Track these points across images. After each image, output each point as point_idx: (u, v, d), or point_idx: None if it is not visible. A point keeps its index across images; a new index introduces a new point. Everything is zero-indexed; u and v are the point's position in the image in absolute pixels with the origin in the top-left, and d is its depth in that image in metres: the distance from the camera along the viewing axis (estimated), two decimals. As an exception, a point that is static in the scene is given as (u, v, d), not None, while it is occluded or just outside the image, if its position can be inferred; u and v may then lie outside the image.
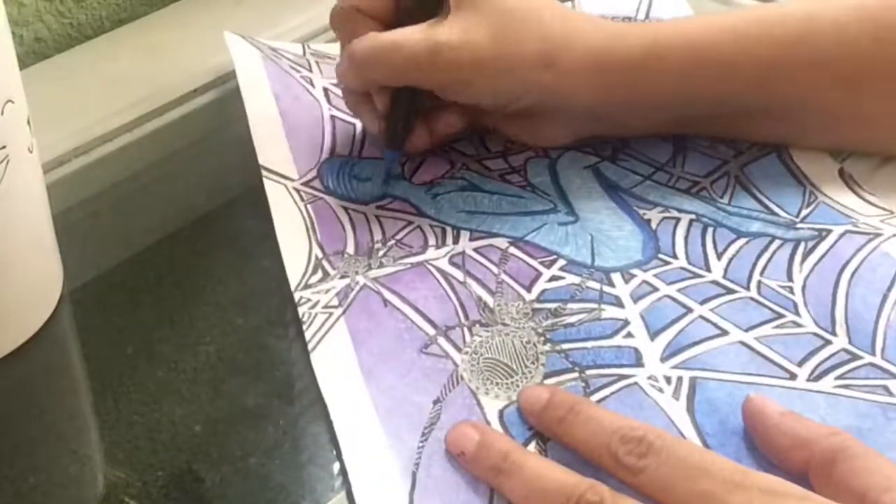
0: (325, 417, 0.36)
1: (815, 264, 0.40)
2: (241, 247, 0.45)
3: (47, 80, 0.53)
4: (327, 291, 0.39)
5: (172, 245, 0.44)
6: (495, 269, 0.40)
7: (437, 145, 0.46)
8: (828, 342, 0.37)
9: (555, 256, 0.41)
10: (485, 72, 0.42)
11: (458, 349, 0.37)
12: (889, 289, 0.39)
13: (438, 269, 0.40)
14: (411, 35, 0.42)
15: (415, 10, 0.44)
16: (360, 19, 0.45)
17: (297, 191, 0.44)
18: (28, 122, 0.37)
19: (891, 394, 0.35)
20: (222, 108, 0.50)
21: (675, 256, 0.41)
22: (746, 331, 0.38)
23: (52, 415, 0.36)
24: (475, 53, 0.42)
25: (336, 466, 0.35)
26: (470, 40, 0.42)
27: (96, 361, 0.39)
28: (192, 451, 0.35)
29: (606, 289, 0.40)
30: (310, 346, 0.37)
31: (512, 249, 0.41)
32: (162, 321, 0.41)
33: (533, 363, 0.37)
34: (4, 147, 0.35)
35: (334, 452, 0.35)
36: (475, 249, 0.41)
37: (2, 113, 0.34)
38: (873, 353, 0.37)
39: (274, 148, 0.46)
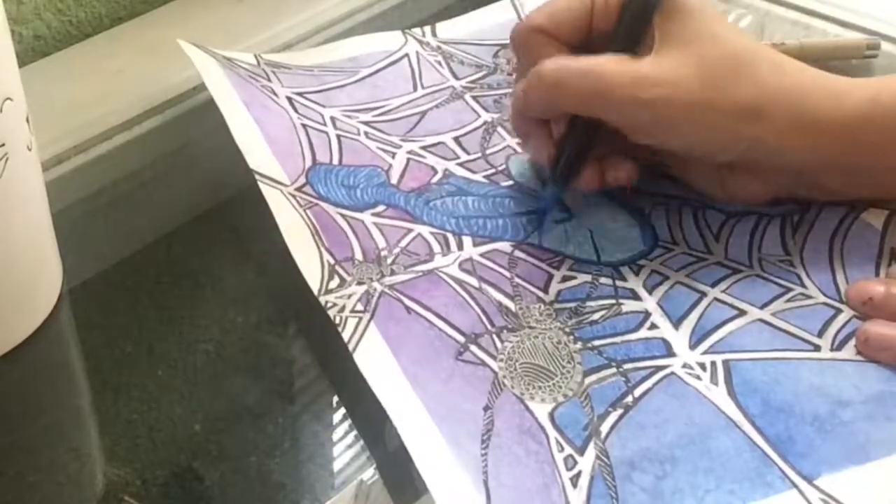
0: (324, 416, 0.36)
1: (806, 236, 0.41)
2: (241, 245, 0.45)
3: (46, 77, 0.53)
4: (349, 297, 0.39)
5: (172, 243, 0.44)
6: (507, 274, 0.40)
7: (601, 189, 0.43)
8: (838, 310, 0.38)
9: (560, 256, 0.41)
10: (689, 117, 0.39)
11: (493, 356, 0.37)
12: (879, 256, 0.40)
13: (451, 277, 0.40)
14: (611, 63, 0.39)
15: (616, 38, 0.41)
16: (545, 42, 0.42)
17: (294, 196, 0.43)
18: (27, 120, 0.37)
19: None
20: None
21: (675, 242, 0.42)
22: (762, 308, 0.38)
23: (51, 413, 0.36)
24: (682, 94, 0.38)
25: (335, 465, 0.35)
26: (677, 80, 0.38)
27: (96, 359, 0.39)
28: (191, 450, 0.35)
29: (619, 283, 0.40)
30: (350, 347, 0.37)
31: (517, 253, 0.41)
32: (161, 319, 0.40)
33: (569, 362, 0.37)
34: (3, 145, 0.35)
35: (377, 449, 0.35)
36: (482, 255, 0.41)
37: (1, 111, 0.34)
38: None
39: (260, 154, 0.45)
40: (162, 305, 0.41)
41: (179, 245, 0.44)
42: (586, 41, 0.42)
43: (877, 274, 0.40)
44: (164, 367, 0.38)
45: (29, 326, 0.39)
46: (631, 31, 0.41)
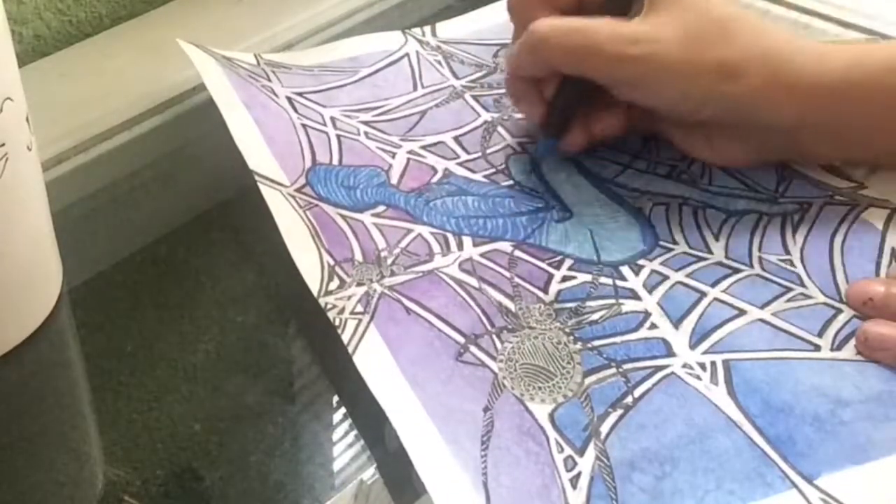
0: (324, 416, 0.36)
1: (806, 236, 0.41)
2: (241, 244, 0.45)
3: (47, 77, 0.53)
4: (349, 298, 0.39)
5: (172, 243, 0.44)
6: (507, 274, 0.40)
7: (591, 146, 0.46)
8: (838, 310, 0.38)
9: (560, 256, 0.41)
10: (670, 73, 0.41)
11: (492, 357, 0.37)
12: (879, 255, 0.40)
13: (451, 277, 0.40)
14: (599, 23, 0.42)
15: (607, 5, 0.43)
16: (540, 7, 0.44)
17: (293, 197, 0.43)
18: (27, 120, 0.37)
19: None
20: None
21: (675, 242, 0.42)
22: (762, 308, 0.39)
23: (51, 413, 0.36)
24: (663, 52, 0.40)
25: (335, 465, 0.35)
26: (660, 39, 0.41)
27: (95, 359, 0.39)
28: (191, 450, 0.35)
29: (619, 283, 0.40)
30: (350, 349, 0.37)
31: (517, 253, 0.41)
32: (161, 319, 0.40)
33: (569, 363, 0.37)
34: (3, 144, 0.35)
35: (377, 449, 0.35)
36: (482, 255, 0.41)
37: (1, 110, 0.34)
38: None
39: (259, 154, 0.45)
40: (162, 305, 0.41)
41: (179, 245, 0.44)
42: (579, 9, 0.44)
43: (877, 274, 0.40)
44: (163, 367, 0.38)
45: (29, 326, 0.39)
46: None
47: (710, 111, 0.42)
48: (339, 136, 0.47)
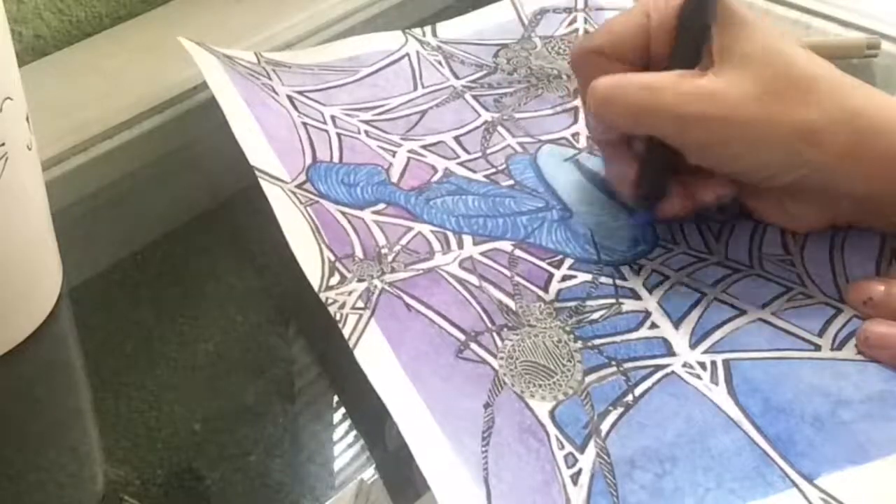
0: (324, 416, 0.36)
1: (806, 235, 0.41)
2: (241, 244, 0.45)
3: (46, 77, 0.53)
4: (350, 294, 0.39)
5: (172, 243, 0.44)
6: (508, 273, 0.40)
7: (693, 213, 0.42)
8: (838, 310, 0.38)
9: (561, 256, 0.41)
10: (747, 135, 0.37)
11: (493, 354, 0.37)
12: (880, 255, 0.40)
13: (451, 275, 0.40)
14: (666, 78, 0.38)
15: (674, 57, 0.40)
16: (603, 63, 0.41)
17: (294, 193, 0.43)
18: (27, 120, 0.37)
19: None
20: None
21: (675, 242, 0.42)
22: (762, 307, 0.39)
23: (51, 413, 0.36)
24: (737, 112, 0.37)
25: (335, 465, 0.35)
26: (734, 97, 0.37)
27: (95, 359, 0.39)
28: (191, 449, 0.35)
29: (619, 282, 0.40)
30: (351, 343, 0.37)
31: (518, 252, 0.41)
32: (161, 319, 0.40)
33: (569, 360, 0.37)
34: (3, 144, 0.35)
35: (378, 445, 0.35)
36: (482, 253, 0.41)
37: (1, 110, 0.34)
38: None
39: (260, 151, 0.45)
40: (162, 305, 0.41)
41: (179, 245, 0.44)
42: (646, 63, 0.41)
43: (877, 273, 0.40)
44: (164, 367, 0.38)
45: (29, 326, 0.39)
46: (688, 50, 0.39)
47: (788, 177, 0.38)
48: (339, 135, 0.47)
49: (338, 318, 0.37)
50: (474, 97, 0.50)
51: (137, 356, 0.39)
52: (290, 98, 0.49)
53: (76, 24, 0.56)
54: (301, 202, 0.43)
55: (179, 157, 0.49)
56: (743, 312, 0.38)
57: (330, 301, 0.38)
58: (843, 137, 0.37)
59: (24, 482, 0.34)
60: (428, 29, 0.54)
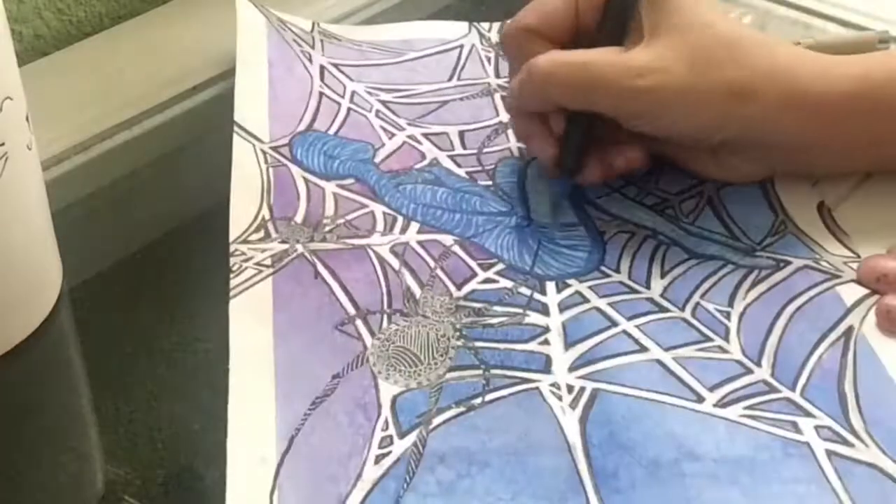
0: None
1: (763, 293, 0.39)
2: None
3: (46, 77, 0.53)
4: (263, 251, 0.40)
5: (172, 242, 0.44)
6: (432, 264, 0.41)
7: (610, 179, 0.44)
8: (749, 371, 0.36)
9: (495, 260, 0.41)
10: (682, 101, 0.39)
11: (372, 334, 0.37)
12: (830, 330, 0.38)
13: (377, 256, 0.41)
14: (602, 55, 0.40)
15: (602, 34, 0.42)
16: (535, 41, 0.43)
17: (264, 153, 0.45)
18: (27, 119, 0.37)
19: (799, 431, 0.34)
20: (222, 105, 0.50)
21: (617, 270, 0.41)
22: (666, 350, 0.37)
23: (51, 412, 0.36)
24: (672, 81, 0.39)
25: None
26: (667, 67, 0.39)
27: (95, 359, 0.39)
28: (191, 450, 0.35)
29: (537, 296, 0.39)
30: (231, 294, 0.38)
31: (455, 248, 0.41)
32: (161, 318, 0.40)
33: (441, 356, 0.37)
34: (3, 144, 0.35)
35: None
36: (419, 242, 0.41)
37: (1, 110, 0.34)
38: (793, 389, 0.36)
39: (253, 108, 0.47)
40: (162, 305, 0.41)
41: (179, 245, 0.44)
42: (574, 39, 0.43)
43: (816, 346, 0.37)
44: (164, 367, 0.38)
45: (29, 326, 0.39)
46: (616, 26, 0.41)
47: (724, 135, 0.41)
48: (349, 109, 0.48)
49: (235, 268, 0.39)
50: (503, 98, 0.50)
51: (137, 356, 0.39)
52: (322, 67, 0.51)
53: (76, 24, 0.56)
54: (266, 162, 0.44)
55: (179, 157, 0.49)
56: (644, 349, 0.37)
57: (237, 252, 0.40)
58: (776, 91, 0.39)
59: (24, 482, 0.34)
60: (496, 25, 0.55)
